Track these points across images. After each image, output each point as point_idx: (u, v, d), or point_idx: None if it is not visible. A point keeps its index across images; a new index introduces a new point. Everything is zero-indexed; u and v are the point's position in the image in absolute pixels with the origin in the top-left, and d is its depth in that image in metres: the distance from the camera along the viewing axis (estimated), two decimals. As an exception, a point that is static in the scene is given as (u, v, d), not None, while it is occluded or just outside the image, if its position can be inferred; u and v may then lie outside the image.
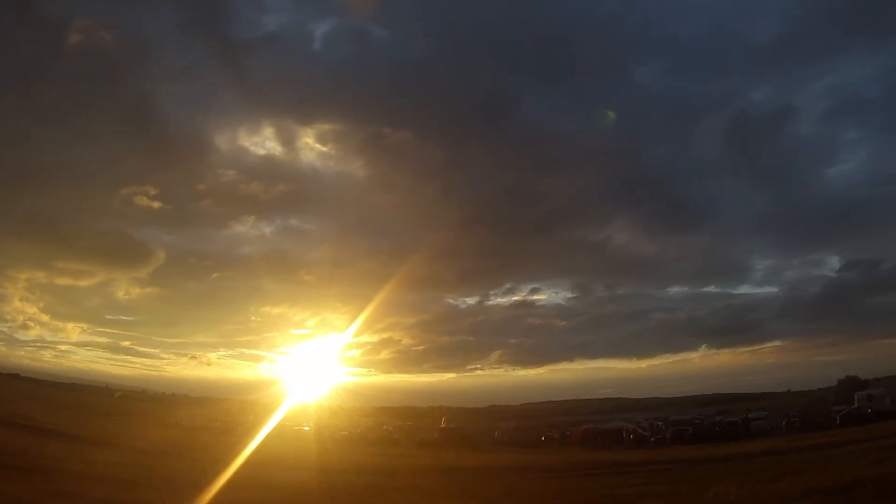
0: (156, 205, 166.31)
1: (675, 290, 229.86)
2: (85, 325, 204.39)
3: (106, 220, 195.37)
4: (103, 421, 63.24)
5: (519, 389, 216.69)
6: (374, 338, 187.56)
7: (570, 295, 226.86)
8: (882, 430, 42.55)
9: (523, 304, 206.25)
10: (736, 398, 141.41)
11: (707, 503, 18.97)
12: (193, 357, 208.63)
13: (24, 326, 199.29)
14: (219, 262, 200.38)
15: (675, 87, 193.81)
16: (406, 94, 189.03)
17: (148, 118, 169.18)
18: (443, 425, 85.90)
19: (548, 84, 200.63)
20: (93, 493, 19.22)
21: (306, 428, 70.27)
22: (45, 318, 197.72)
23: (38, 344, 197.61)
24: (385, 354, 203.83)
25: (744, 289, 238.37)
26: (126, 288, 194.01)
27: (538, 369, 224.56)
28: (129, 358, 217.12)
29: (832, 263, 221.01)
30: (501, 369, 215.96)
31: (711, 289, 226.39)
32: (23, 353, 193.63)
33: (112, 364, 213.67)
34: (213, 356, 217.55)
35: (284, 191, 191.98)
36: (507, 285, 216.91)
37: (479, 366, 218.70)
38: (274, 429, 54.43)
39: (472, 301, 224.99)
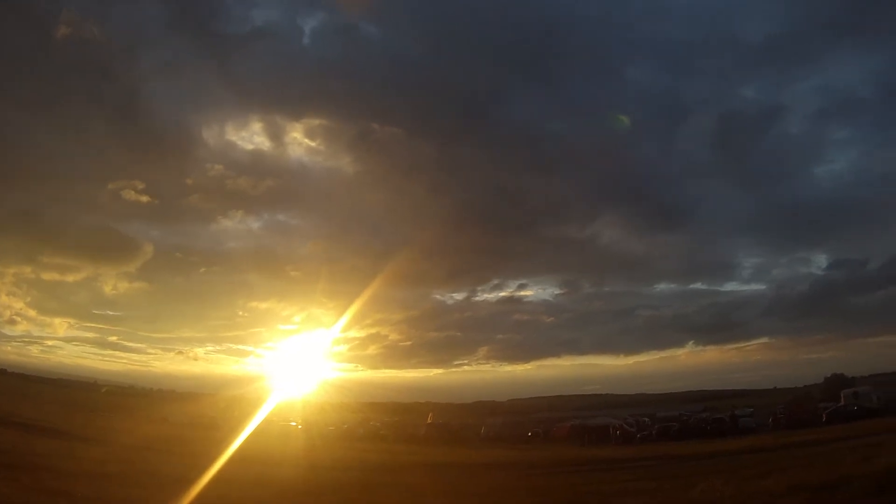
0: (143, 199, 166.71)
1: (662, 287, 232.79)
2: (72, 321, 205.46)
3: (93, 214, 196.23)
4: (90, 417, 63.00)
5: (506, 385, 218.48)
6: (362, 333, 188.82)
7: (557, 291, 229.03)
8: (868, 427, 42.77)
9: (511, 301, 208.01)
10: (722, 395, 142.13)
11: (693, 500, 18.94)
12: (180, 352, 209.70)
13: (11, 322, 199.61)
14: (206, 257, 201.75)
15: (664, 87, 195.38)
16: (395, 90, 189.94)
17: (136, 112, 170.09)
18: (430, 421, 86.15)
19: (537, 83, 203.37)
20: (80, 490, 19.10)
21: (293, 423, 70.19)
22: (31, 313, 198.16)
23: (24, 339, 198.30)
24: (372, 350, 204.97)
25: (731, 286, 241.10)
26: (113, 283, 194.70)
27: (525, 365, 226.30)
28: (116, 353, 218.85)
29: (819, 262, 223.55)
30: (488, 365, 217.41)
31: (699, 286, 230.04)
32: (9, 348, 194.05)
33: (99, 359, 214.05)
34: (199, 351, 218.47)
35: (272, 186, 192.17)
36: (495, 281, 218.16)
37: (466, 361, 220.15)
38: (261, 424, 54.41)
39: (459, 297, 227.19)
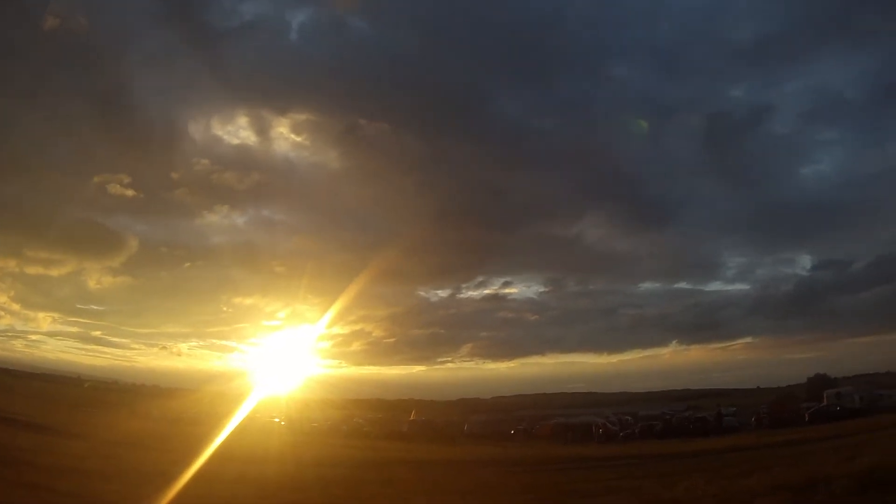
0: (129, 193, 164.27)
1: (646, 286, 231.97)
2: (56, 315, 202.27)
3: (78, 208, 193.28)
4: (73, 412, 62.77)
5: (489, 383, 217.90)
6: (346, 329, 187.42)
7: (542, 289, 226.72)
8: (850, 427, 43.07)
9: (495, 298, 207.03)
10: (706, 394, 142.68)
11: (675, 498, 18.98)
12: (164, 347, 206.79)
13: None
14: (191, 251, 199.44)
15: (652, 86, 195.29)
16: (383, 86, 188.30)
17: (122, 105, 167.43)
18: (413, 418, 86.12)
19: (525, 80, 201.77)
20: (63, 485, 19.11)
21: (277, 419, 70.04)
22: (15, 307, 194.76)
23: (8, 333, 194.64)
24: (356, 346, 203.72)
25: (715, 286, 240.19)
26: (98, 277, 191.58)
27: (509, 363, 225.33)
28: (100, 348, 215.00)
29: (804, 262, 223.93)
30: (472, 362, 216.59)
31: (683, 285, 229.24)
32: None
33: (83, 354, 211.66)
34: (183, 347, 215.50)
35: (258, 181, 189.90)
36: (479, 279, 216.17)
37: (449, 359, 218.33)
38: (244, 420, 54.15)
39: (443, 294, 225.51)
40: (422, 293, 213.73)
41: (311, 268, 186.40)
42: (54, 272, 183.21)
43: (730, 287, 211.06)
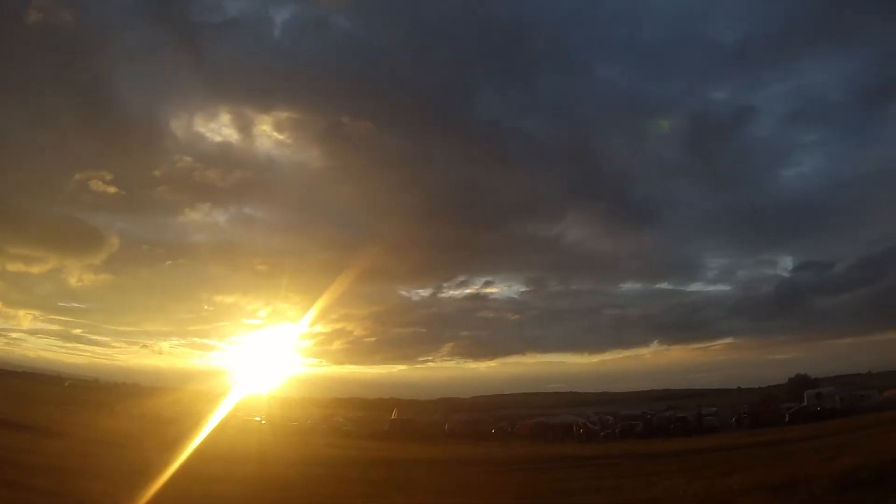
0: (111, 190, 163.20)
1: (628, 286, 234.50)
2: (37, 313, 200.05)
3: (60, 204, 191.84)
4: (53, 410, 62.28)
5: (470, 382, 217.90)
6: (327, 328, 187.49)
7: (523, 289, 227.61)
8: (830, 427, 43.42)
9: (476, 297, 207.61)
10: (687, 394, 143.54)
11: (655, 498, 18.98)
12: (145, 346, 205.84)
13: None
14: (172, 249, 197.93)
15: (635, 86, 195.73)
16: (366, 84, 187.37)
17: (105, 101, 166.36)
18: (394, 417, 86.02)
19: (508, 80, 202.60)
20: (42, 484, 18.97)
21: (258, 418, 69.76)
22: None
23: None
24: (337, 345, 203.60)
25: (696, 286, 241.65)
26: (79, 275, 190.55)
27: (490, 362, 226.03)
28: (81, 346, 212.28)
29: (785, 264, 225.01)
30: (453, 362, 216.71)
31: (665, 286, 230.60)
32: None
33: (63, 352, 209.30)
34: (164, 345, 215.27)
35: (240, 179, 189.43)
36: (461, 278, 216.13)
37: (430, 358, 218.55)
38: (225, 419, 53.92)
39: (425, 293, 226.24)
40: (403, 292, 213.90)
41: (292, 266, 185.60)
42: (35, 269, 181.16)
43: (711, 288, 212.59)
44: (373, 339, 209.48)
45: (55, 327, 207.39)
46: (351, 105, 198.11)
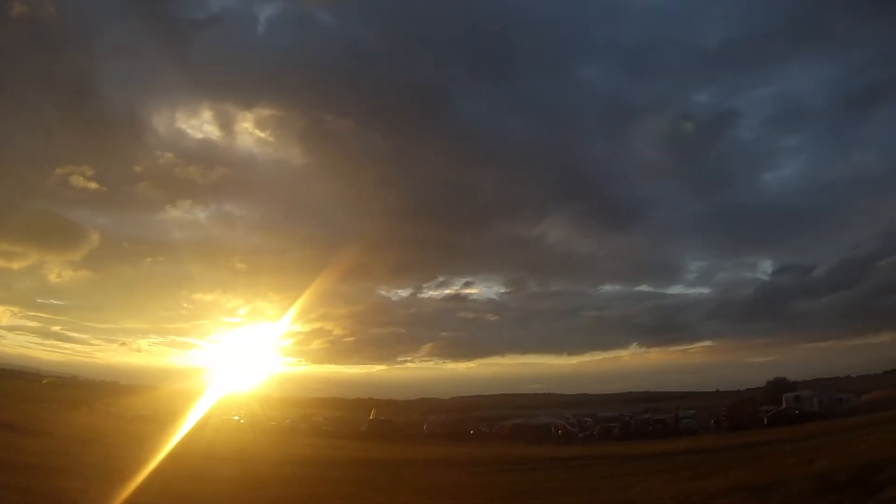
0: (92, 185, 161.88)
1: (607, 287, 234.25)
2: (16, 309, 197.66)
3: (40, 200, 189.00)
4: (32, 408, 61.76)
5: (449, 382, 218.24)
6: (306, 328, 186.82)
7: (502, 290, 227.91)
8: (809, 430, 43.71)
9: (456, 298, 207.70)
10: (665, 396, 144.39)
11: (632, 499, 19.05)
12: (124, 343, 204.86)
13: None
14: (152, 246, 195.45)
15: (618, 88, 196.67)
16: (349, 82, 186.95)
17: (87, 95, 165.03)
18: (372, 417, 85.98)
19: (491, 80, 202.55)
20: (20, 482, 18.80)
21: (236, 417, 69.49)
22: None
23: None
24: (316, 345, 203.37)
25: (676, 289, 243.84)
26: (58, 271, 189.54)
27: (469, 363, 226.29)
28: (60, 343, 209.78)
29: (765, 267, 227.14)
30: (432, 362, 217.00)
31: (644, 288, 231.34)
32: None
33: (42, 349, 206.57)
34: (143, 343, 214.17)
35: (221, 176, 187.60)
36: (441, 278, 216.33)
37: (409, 358, 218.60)
38: (203, 418, 53.68)
39: (404, 293, 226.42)
40: (382, 292, 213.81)
41: (272, 264, 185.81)
42: (15, 265, 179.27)
43: (691, 290, 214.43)
44: (352, 338, 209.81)
45: (34, 324, 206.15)
46: (333, 103, 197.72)
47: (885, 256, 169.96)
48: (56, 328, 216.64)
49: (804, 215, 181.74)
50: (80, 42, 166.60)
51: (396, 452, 47.74)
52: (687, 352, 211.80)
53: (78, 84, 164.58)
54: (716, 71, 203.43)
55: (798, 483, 17.09)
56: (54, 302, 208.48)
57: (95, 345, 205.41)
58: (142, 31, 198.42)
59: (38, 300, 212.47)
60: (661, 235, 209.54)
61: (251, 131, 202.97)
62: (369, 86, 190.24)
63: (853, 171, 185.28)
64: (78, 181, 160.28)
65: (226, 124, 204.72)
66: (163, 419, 56.25)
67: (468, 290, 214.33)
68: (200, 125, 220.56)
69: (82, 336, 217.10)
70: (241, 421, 69.22)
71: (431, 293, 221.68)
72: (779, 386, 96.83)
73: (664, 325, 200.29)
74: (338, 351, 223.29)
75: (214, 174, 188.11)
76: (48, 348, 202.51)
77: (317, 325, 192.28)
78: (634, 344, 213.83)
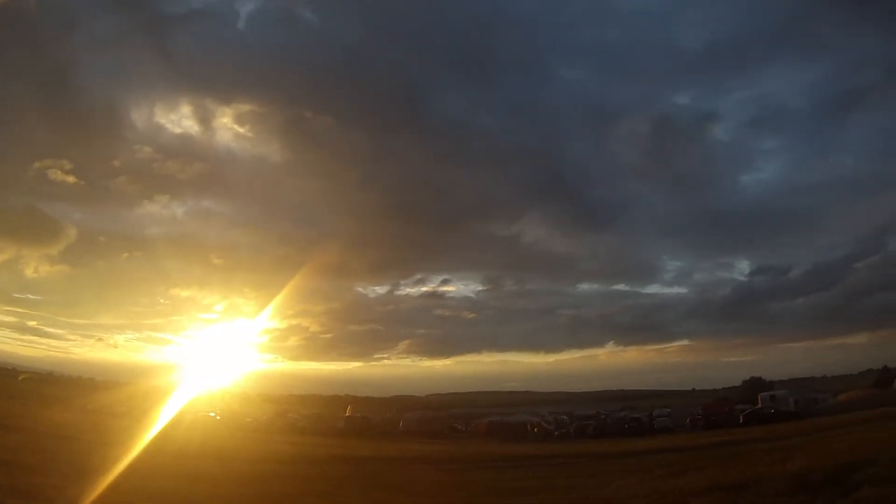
0: (70, 179, 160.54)
1: (585, 286, 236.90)
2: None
3: (18, 193, 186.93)
4: (7, 404, 61.00)
5: (426, 380, 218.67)
6: (283, 324, 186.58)
7: (480, 288, 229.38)
8: (784, 430, 44.00)
9: (433, 296, 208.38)
10: (642, 395, 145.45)
11: (607, 497, 19.00)
12: (100, 339, 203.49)
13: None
14: (129, 241, 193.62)
15: (598, 88, 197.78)
16: (329, 79, 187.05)
17: (67, 88, 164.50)
18: (348, 414, 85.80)
19: (471, 79, 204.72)
20: None
21: (212, 414, 69.12)
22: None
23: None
24: (293, 341, 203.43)
25: (653, 288, 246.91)
26: (35, 265, 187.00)
27: (445, 360, 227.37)
28: (36, 339, 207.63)
29: (742, 268, 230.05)
30: (409, 360, 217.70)
31: (621, 287, 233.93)
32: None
33: (18, 345, 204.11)
34: (119, 338, 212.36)
35: (199, 171, 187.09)
36: (418, 276, 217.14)
37: (386, 355, 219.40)
38: (179, 415, 53.37)
39: (381, 291, 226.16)
40: (360, 289, 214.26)
41: (249, 261, 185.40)
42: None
43: (668, 290, 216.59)
44: (329, 335, 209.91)
45: (10, 319, 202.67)
46: (313, 100, 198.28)
47: (860, 259, 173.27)
48: (33, 323, 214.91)
49: (782, 217, 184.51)
50: (60, 35, 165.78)
51: (373, 450, 47.64)
52: (664, 351, 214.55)
53: (57, 77, 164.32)
54: (696, 73, 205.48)
55: (773, 482, 17.10)
56: (31, 297, 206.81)
57: (72, 340, 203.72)
58: (122, 24, 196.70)
59: (15, 295, 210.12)
60: (638, 235, 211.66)
61: (230, 126, 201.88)
62: (349, 83, 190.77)
63: (831, 175, 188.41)
64: (56, 175, 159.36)
65: (205, 119, 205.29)
66: (139, 416, 55.88)
67: (445, 288, 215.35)
68: (179, 120, 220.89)
69: (59, 331, 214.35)
70: (218, 418, 68.95)
71: (409, 290, 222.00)
72: (755, 385, 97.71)
73: (641, 325, 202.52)
74: (315, 348, 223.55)
75: (193, 169, 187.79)
76: (24, 343, 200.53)
77: (294, 322, 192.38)
78: (611, 343, 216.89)
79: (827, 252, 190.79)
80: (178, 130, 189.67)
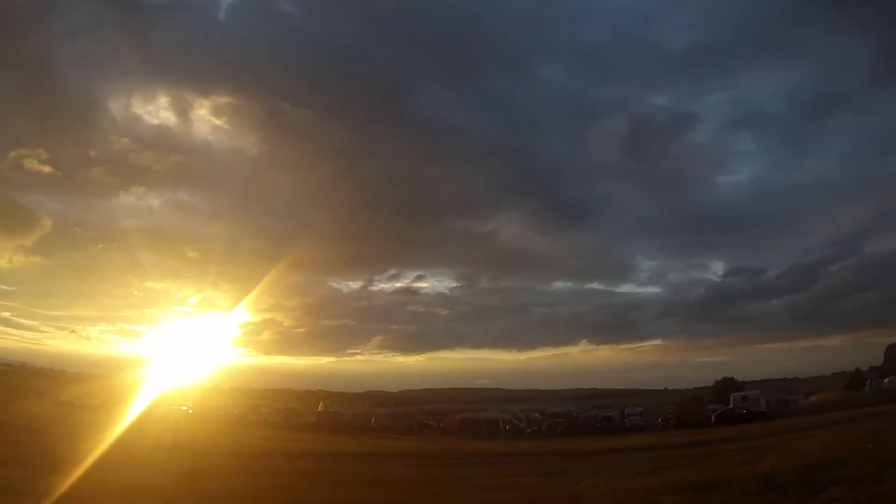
0: (46, 169, 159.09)
1: (559, 285, 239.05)
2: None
3: None
4: None
5: (398, 376, 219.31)
6: (257, 318, 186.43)
7: (454, 284, 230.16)
8: (755, 430, 44.36)
9: (407, 291, 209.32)
10: (614, 394, 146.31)
11: (576, 495, 18.95)
12: (73, 331, 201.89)
13: None
14: (104, 233, 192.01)
15: (577, 87, 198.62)
16: (309, 72, 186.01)
17: (43, 77, 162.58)
18: (321, 409, 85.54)
19: (451, 75, 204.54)
20: None
21: (185, 408, 68.70)
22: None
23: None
24: (266, 335, 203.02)
25: (627, 287, 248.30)
26: (9, 256, 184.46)
27: (418, 357, 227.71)
28: (9, 330, 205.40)
29: (716, 269, 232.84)
30: (381, 355, 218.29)
31: (595, 286, 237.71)
32: None
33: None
34: (93, 330, 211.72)
35: (176, 163, 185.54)
36: (392, 271, 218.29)
37: (359, 351, 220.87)
38: (152, 408, 53.01)
39: (355, 286, 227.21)
40: (333, 284, 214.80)
41: (224, 254, 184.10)
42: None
43: (642, 289, 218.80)
44: (302, 330, 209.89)
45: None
46: (291, 93, 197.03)
47: (834, 262, 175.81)
48: (6, 314, 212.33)
49: (757, 219, 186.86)
50: (37, 23, 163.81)
51: (345, 445, 47.56)
52: (637, 350, 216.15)
53: (34, 66, 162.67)
54: (676, 74, 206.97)
55: (743, 482, 17.17)
56: (4, 287, 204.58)
57: (45, 332, 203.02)
58: (100, 13, 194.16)
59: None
60: (613, 235, 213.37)
61: (208, 118, 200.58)
62: (329, 77, 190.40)
63: (807, 178, 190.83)
64: (32, 165, 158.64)
65: (182, 111, 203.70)
66: (112, 409, 55.51)
67: (419, 284, 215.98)
68: (157, 111, 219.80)
69: (32, 323, 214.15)
70: (191, 411, 68.62)
71: (382, 286, 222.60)
72: (727, 385, 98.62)
73: (615, 323, 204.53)
74: (288, 342, 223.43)
75: (169, 161, 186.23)
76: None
77: (267, 316, 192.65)
78: (584, 341, 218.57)
79: (802, 254, 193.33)
80: (155, 122, 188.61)
